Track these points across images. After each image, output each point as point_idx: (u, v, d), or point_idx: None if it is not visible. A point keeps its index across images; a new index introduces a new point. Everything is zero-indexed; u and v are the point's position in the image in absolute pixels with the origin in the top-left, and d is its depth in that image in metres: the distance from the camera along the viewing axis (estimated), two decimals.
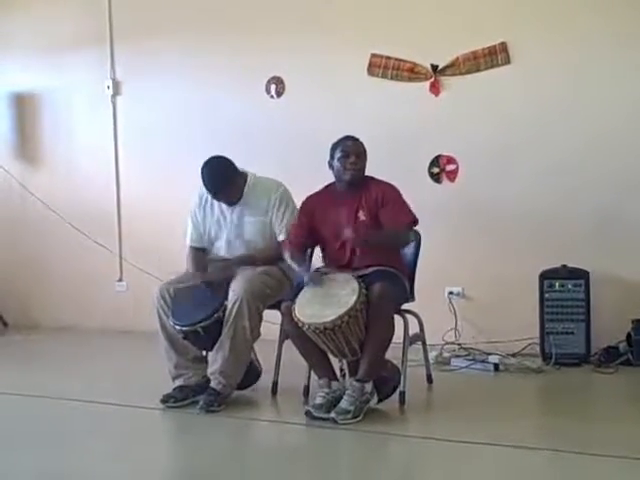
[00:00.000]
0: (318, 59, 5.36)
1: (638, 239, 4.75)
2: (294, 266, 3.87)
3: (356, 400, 3.54)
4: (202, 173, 4.00)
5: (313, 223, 3.96)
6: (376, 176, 3.98)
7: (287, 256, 3.94)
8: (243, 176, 4.09)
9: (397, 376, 3.80)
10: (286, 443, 3.54)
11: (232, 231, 4.11)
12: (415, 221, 3.86)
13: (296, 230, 3.98)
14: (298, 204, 4.09)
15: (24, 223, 6.39)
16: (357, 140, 3.92)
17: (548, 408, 4.09)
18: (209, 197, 4.14)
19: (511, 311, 4.90)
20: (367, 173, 3.95)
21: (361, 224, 3.81)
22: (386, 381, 3.75)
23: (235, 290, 3.81)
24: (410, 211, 3.86)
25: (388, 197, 3.85)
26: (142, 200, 5.99)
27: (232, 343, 3.77)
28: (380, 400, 3.71)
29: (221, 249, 4.15)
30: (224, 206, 4.13)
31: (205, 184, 4.02)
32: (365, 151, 3.92)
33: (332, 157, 3.91)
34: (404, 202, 3.88)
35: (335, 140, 3.93)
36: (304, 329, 3.59)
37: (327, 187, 4.02)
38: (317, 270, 3.84)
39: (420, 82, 5.16)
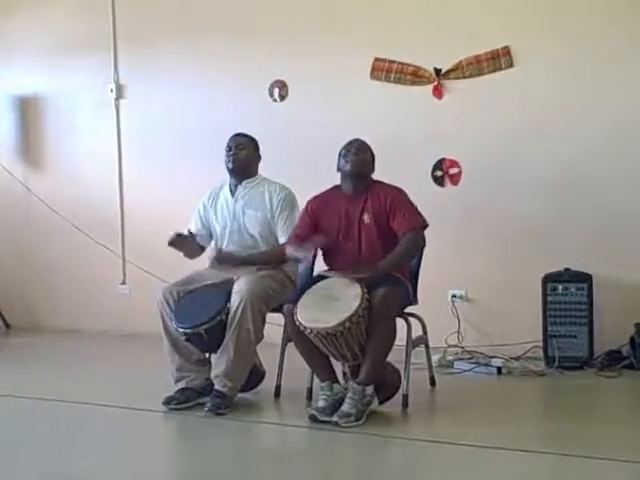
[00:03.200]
0: (321, 63, 5.36)
1: None
2: (297, 254, 3.84)
3: (357, 403, 3.54)
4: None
5: (318, 223, 3.95)
6: (379, 179, 3.99)
7: (290, 250, 3.89)
8: (256, 169, 4.25)
9: (398, 379, 3.80)
10: (289, 446, 3.55)
11: (234, 222, 4.15)
12: (425, 225, 3.85)
13: (301, 228, 3.97)
14: (301, 207, 4.10)
15: (27, 225, 6.39)
16: (361, 140, 3.94)
17: (551, 411, 4.09)
18: (217, 192, 4.25)
19: (514, 314, 4.90)
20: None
21: (365, 228, 3.82)
22: (387, 384, 3.74)
23: (239, 292, 3.81)
24: (419, 215, 3.84)
25: (396, 202, 3.83)
26: (145, 202, 5.99)
27: (236, 345, 3.78)
28: (381, 402, 3.71)
29: (224, 241, 4.19)
30: (229, 198, 4.19)
31: (230, 137, 4.24)
32: (371, 152, 3.93)
33: (339, 159, 3.93)
34: (412, 206, 3.86)
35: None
36: (306, 333, 3.59)
37: (332, 189, 4.01)
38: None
39: (423, 86, 5.17)
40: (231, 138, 4.24)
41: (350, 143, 3.94)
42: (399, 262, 3.81)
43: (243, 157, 4.17)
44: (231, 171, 4.19)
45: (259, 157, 4.28)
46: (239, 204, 4.17)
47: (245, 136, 4.26)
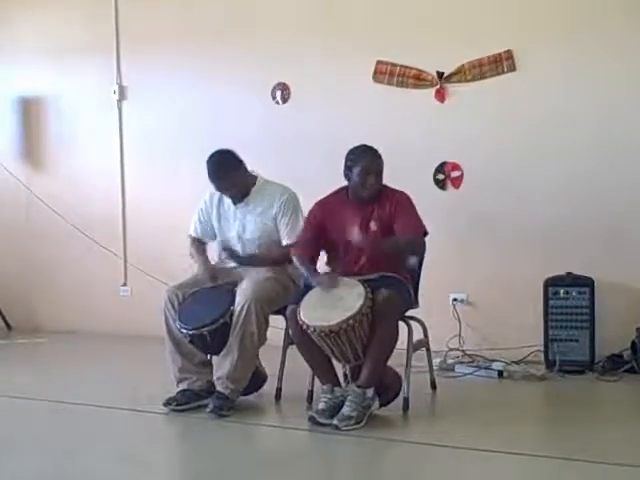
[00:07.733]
0: (324, 65, 5.37)
1: None
2: (303, 271, 3.86)
3: (358, 406, 3.54)
4: (207, 167, 4.04)
5: (323, 229, 3.93)
6: (384, 184, 3.96)
7: (296, 260, 3.92)
8: (251, 177, 4.11)
9: (398, 383, 3.79)
10: (289, 448, 3.53)
11: (237, 231, 4.13)
12: (425, 233, 3.86)
13: (305, 235, 3.96)
14: (305, 210, 4.08)
15: (30, 226, 6.40)
16: (377, 155, 3.83)
17: (552, 415, 4.08)
18: (220, 196, 4.18)
19: (515, 318, 4.90)
20: None
21: (372, 235, 3.80)
22: (387, 388, 3.74)
23: (243, 295, 3.81)
24: (421, 223, 3.84)
25: (401, 207, 3.83)
26: (147, 204, 6.00)
27: (240, 348, 3.78)
28: (382, 405, 3.70)
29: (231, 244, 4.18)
30: (231, 206, 4.16)
31: (209, 175, 4.03)
32: (383, 166, 3.85)
33: (350, 169, 3.82)
34: (416, 213, 3.85)
35: (352, 147, 3.85)
36: (309, 332, 3.59)
37: (337, 193, 3.98)
38: (332, 272, 3.85)
39: (426, 89, 5.17)
40: (212, 173, 4.00)
41: (367, 165, 3.78)
42: (398, 247, 3.80)
43: (239, 183, 4.05)
44: (234, 200, 4.13)
45: (243, 169, 4.05)
46: (240, 211, 4.12)
47: (222, 161, 4.01)
